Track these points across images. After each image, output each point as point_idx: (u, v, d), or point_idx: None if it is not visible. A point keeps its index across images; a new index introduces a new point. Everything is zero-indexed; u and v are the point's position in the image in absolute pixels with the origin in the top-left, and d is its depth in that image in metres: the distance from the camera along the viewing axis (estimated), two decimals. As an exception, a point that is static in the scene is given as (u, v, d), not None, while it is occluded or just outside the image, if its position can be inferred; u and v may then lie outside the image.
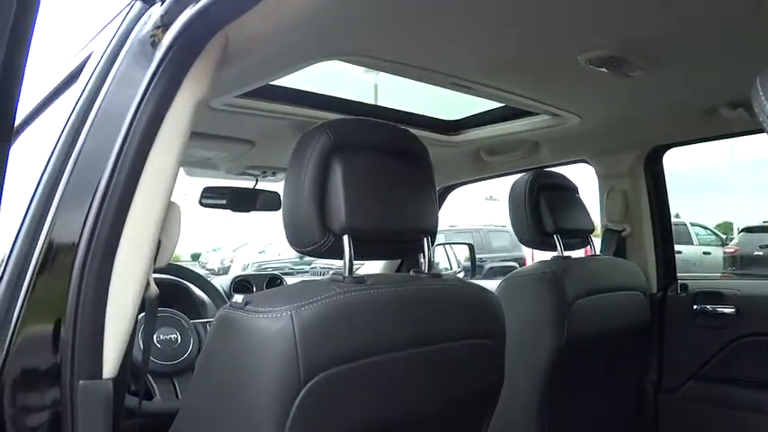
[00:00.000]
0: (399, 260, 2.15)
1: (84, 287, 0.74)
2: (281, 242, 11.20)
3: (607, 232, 1.79)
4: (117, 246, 0.76)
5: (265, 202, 1.96)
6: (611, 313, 1.46)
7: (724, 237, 10.58)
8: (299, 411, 0.73)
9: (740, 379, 1.54)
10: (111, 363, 0.74)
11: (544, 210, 1.45)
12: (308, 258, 10.97)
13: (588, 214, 1.58)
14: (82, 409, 0.70)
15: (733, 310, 1.58)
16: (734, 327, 1.58)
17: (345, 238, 0.85)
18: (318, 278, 0.90)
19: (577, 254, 1.57)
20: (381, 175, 0.92)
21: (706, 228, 10.56)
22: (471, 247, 2.72)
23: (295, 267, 10.53)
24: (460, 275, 2.82)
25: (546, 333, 1.31)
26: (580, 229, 1.53)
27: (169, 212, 0.83)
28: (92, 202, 0.77)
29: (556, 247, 1.47)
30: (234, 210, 1.95)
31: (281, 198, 0.91)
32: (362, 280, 0.85)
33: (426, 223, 0.95)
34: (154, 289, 0.83)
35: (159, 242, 0.82)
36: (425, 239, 0.96)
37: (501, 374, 1.01)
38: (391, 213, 0.92)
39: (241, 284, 1.89)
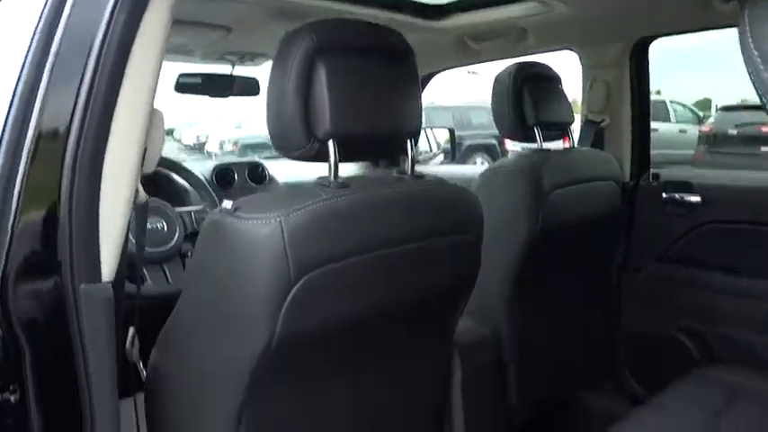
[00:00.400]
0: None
1: (75, 190, 0.75)
2: (257, 118, 11.01)
3: (587, 123, 1.81)
4: (106, 141, 0.76)
5: (242, 87, 1.91)
6: (585, 203, 1.52)
7: (701, 114, 10.65)
8: (290, 306, 0.79)
9: (700, 262, 1.65)
10: (108, 266, 0.77)
11: (526, 103, 1.45)
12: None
13: (569, 106, 1.59)
14: (85, 311, 0.75)
15: (699, 198, 1.66)
16: (699, 214, 1.66)
17: (330, 143, 0.87)
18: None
19: (556, 145, 1.60)
20: (366, 78, 0.91)
21: (685, 105, 10.59)
22: (452, 131, 2.72)
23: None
24: (440, 158, 2.86)
25: (522, 223, 1.37)
26: (560, 122, 1.55)
27: (153, 118, 0.82)
28: (78, 92, 0.75)
29: (536, 138, 1.50)
30: (211, 95, 1.91)
31: (266, 96, 0.90)
32: (347, 184, 0.87)
33: (410, 124, 0.97)
34: (143, 194, 0.85)
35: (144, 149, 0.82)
36: (409, 140, 0.97)
37: (476, 266, 1.08)
38: (376, 117, 0.92)
39: (223, 172, 1.90)
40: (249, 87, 1.90)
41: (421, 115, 0.99)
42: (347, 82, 0.88)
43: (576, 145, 1.69)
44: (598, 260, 1.73)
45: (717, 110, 9.69)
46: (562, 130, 1.60)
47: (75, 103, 0.75)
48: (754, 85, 0.48)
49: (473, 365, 1.27)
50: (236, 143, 11.57)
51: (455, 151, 2.72)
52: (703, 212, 1.65)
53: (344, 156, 0.88)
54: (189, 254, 1.68)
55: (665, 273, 1.70)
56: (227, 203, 0.82)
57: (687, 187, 1.69)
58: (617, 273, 1.77)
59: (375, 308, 0.92)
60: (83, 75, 0.75)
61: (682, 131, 9.66)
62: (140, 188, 0.83)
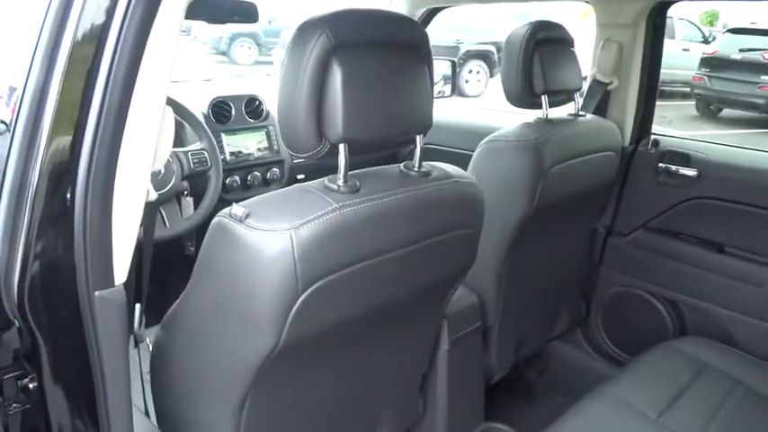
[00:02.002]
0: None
1: (90, 193, 0.75)
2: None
3: (594, 84, 1.77)
4: (121, 141, 0.75)
5: (241, 13, 1.82)
6: (583, 176, 1.52)
7: (707, 34, 10.35)
8: (296, 314, 0.82)
9: (686, 235, 1.70)
10: (120, 269, 0.79)
11: (536, 71, 1.41)
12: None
13: (579, 72, 1.54)
14: (100, 315, 0.77)
15: (695, 172, 1.67)
16: (693, 188, 1.68)
17: (342, 146, 0.86)
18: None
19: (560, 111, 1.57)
20: (381, 77, 0.89)
21: (692, 23, 10.27)
22: (453, 63, 2.64)
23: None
24: (440, 84, 2.80)
25: (520, 199, 1.38)
26: (568, 89, 1.52)
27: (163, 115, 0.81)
28: (93, 90, 0.74)
29: (542, 106, 1.47)
30: (209, 21, 1.81)
31: (278, 89, 0.88)
32: (356, 188, 0.88)
33: (421, 121, 0.96)
34: (153, 193, 0.85)
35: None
36: (418, 136, 0.97)
37: (473, 255, 1.11)
38: (388, 118, 0.91)
39: (219, 107, 1.85)
40: (248, 13, 1.81)
41: (432, 107, 0.98)
42: (362, 84, 0.86)
43: (580, 107, 1.66)
44: (588, 223, 1.77)
45: (724, 31, 9.39)
46: (569, 96, 1.57)
47: (90, 103, 0.74)
48: None
49: (458, 333, 1.35)
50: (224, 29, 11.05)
51: (455, 83, 2.66)
52: (697, 187, 1.67)
53: (354, 154, 0.88)
54: (185, 193, 1.68)
55: (650, 241, 1.75)
56: (237, 208, 0.82)
57: (685, 159, 1.69)
58: (604, 235, 1.81)
59: (379, 304, 0.96)
60: (97, 72, 0.73)
61: (685, 50, 9.46)
62: (150, 187, 0.83)
